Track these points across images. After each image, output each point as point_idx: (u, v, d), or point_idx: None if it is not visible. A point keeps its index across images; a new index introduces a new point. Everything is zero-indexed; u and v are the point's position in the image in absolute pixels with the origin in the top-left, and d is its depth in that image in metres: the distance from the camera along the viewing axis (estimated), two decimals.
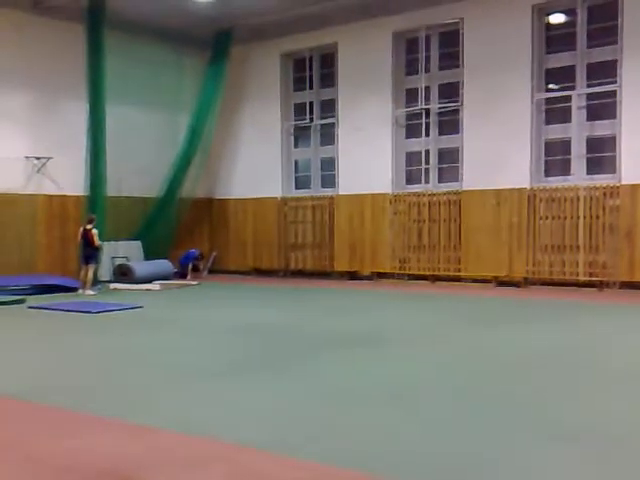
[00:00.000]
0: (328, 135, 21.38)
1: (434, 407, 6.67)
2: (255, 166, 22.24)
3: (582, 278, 16.95)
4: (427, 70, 19.29)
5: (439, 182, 19.40)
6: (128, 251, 20.38)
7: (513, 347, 9.81)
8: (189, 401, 7.02)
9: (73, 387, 7.67)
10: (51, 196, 18.95)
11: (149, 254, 20.74)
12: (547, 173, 17.87)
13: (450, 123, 19.12)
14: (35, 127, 18.71)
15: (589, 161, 17.37)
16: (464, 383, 7.67)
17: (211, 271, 22.42)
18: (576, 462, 5.13)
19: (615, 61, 16.76)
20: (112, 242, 19.55)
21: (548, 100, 17.82)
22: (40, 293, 16.43)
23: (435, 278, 18.91)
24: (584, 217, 16.91)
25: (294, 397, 7.11)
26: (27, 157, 18.46)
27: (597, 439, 5.64)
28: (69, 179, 18.99)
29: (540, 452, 5.31)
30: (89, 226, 17.19)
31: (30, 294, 16.15)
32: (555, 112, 17.79)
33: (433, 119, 19.35)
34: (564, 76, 17.63)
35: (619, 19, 16.48)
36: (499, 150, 17.91)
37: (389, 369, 8.44)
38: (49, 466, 5.22)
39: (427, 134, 19.43)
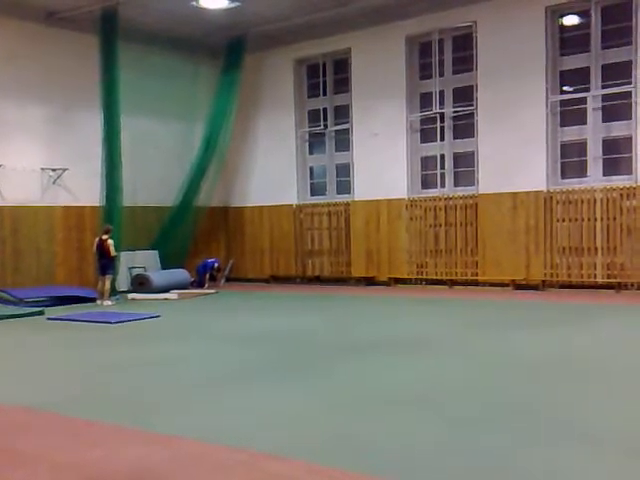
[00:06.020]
0: (343, 141, 21.35)
1: (457, 413, 6.64)
2: (270, 173, 22.25)
3: (600, 280, 16.87)
4: (441, 74, 19.24)
5: (455, 186, 19.34)
6: (145, 261, 20.42)
7: (534, 350, 9.75)
8: (208, 409, 7.02)
9: (93, 398, 7.69)
10: (68, 207, 19.00)
11: (166, 263, 20.75)
12: (563, 175, 17.79)
13: (465, 127, 19.06)
14: (50, 138, 18.77)
15: (605, 162, 17.28)
16: (487, 388, 7.64)
17: (228, 279, 22.43)
18: (602, 466, 5.11)
19: (630, 62, 16.68)
20: (129, 252, 19.59)
21: (563, 102, 17.74)
22: (58, 304, 16.48)
23: (453, 283, 18.85)
24: (601, 219, 16.82)
25: (314, 403, 7.10)
26: (43, 169, 18.52)
27: (619, 443, 5.61)
28: (85, 190, 19.03)
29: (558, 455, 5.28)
30: (105, 236, 17.17)
31: (48, 305, 16.18)
32: (570, 114, 17.69)
33: (448, 123, 19.30)
34: (579, 78, 17.56)
35: (633, 20, 16.42)
36: (515, 153, 17.84)
37: (408, 375, 8.41)
38: (75, 476, 5.23)
39: (442, 138, 19.37)
